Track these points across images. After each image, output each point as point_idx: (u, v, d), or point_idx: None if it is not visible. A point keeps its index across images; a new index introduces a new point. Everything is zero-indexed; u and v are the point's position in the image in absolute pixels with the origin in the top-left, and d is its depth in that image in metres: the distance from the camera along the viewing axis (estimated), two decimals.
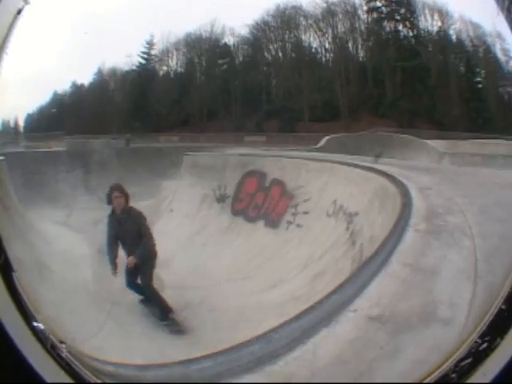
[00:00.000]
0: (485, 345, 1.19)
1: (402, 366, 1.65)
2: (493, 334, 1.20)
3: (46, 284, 4.35)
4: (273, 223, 7.68)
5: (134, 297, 4.62)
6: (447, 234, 3.07)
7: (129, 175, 8.25)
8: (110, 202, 4.84)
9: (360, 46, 16.91)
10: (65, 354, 1.42)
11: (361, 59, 18.23)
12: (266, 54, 19.07)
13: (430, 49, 16.33)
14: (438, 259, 2.62)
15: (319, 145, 16.32)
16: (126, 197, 4.88)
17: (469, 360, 1.20)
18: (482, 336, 1.22)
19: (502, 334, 1.19)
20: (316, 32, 18.32)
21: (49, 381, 1.34)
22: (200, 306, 4.52)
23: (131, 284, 4.80)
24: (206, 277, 5.78)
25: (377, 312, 1.99)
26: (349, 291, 2.29)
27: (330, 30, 17.39)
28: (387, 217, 4.01)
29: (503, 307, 1.22)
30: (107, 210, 4.84)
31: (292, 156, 9.98)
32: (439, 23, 15.39)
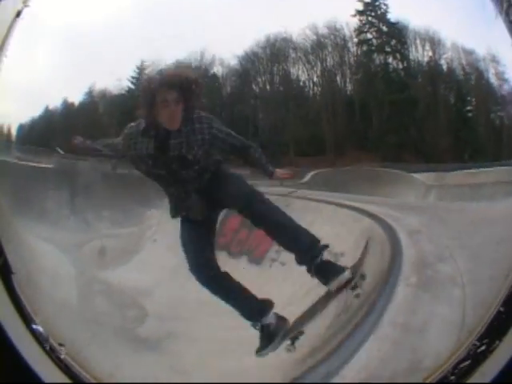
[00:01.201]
0: (483, 347, 1.16)
1: None
2: (491, 336, 1.17)
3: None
4: (256, 260, 7.64)
5: None
6: (437, 286, 3.02)
7: (111, 200, 8.17)
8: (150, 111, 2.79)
9: (348, 80, 16.95)
10: (63, 356, 1.39)
11: (348, 93, 18.17)
12: (253, 86, 18.84)
13: (420, 80, 16.19)
14: (427, 315, 2.59)
15: (304, 180, 16.13)
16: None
17: (467, 362, 1.18)
18: (481, 338, 1.19)
19: (500, 336, 1.17)
20: (305, 65, 18.27)
21: (47, 381, 1.30)
22: (183, 336, 4.40)
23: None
24: (189, 309, 5.65)
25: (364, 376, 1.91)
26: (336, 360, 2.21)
27: (318, 63, 17.36)
28: (375, 261, 3.98)
29: (501, 309, 1.20)
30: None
31: (276, 193, 9.89)
32: (430, 53, 15.04)
